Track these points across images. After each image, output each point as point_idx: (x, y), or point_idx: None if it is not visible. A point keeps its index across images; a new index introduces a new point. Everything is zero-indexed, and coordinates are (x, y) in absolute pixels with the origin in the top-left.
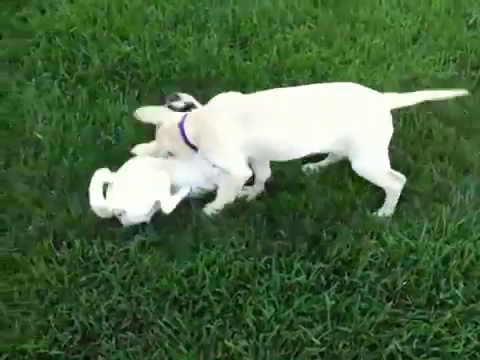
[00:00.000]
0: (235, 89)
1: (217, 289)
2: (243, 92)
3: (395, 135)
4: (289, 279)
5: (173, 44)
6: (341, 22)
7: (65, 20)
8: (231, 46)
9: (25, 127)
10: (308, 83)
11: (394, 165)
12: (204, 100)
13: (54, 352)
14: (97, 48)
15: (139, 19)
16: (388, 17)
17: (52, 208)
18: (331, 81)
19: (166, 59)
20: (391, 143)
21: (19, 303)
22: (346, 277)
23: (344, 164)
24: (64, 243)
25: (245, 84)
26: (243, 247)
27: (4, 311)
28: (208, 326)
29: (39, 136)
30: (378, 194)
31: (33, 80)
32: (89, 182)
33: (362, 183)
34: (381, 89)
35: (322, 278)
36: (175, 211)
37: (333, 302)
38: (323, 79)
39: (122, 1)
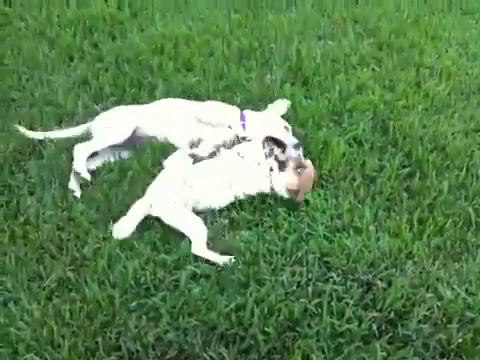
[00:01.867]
0: (295, 126)
1: (265, 328)
2: (302, 130)
3: (457, 186)
4: (340, 326)
5: (236, 78)
6: (406, 67)
7: (134, 48)
8: (293, 83)
9: None
10: (370, 125)
11: (455, 217)
12: None
13: None
14: (163, 77)
15: (205, 52)
16: (454, 65)
17: (108, 230)
18: (393, 126)
19: (228, 92)
20: (454, 194)
21: (70, 322)
22: (399, 329)
23: (403, 211)
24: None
25: (304, 123)
26: (294, 287)
27: (55, 329)
28: None
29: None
30: (436, 242)
31: (100, 104)
32: None
33: (419, 231)
34: (445, 137)
35: (374, 327)
36: (228, 244)
37: (384, 353)
38: (384, 122)
39: (190, 34)
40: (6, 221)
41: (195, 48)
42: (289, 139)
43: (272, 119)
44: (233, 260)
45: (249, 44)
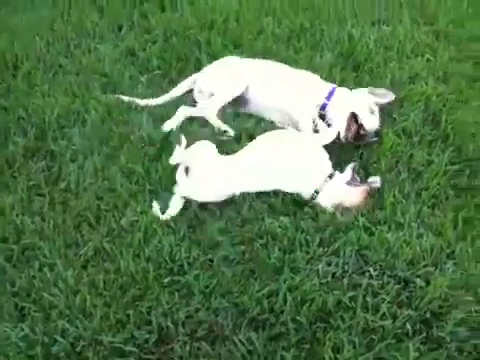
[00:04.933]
0: None
1: (297, 317)
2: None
3: None
4: (373, 321)
5: (284, 58)
6: (462, 59)
7: (183, 22)
8: (343, 68)
9: (130, 121)
10: (420, 117)
11: None
12: None
13: (129, 348)
14: (210, 53)
15: (254, 29)
16: None
17: (147, 203)
18: (445, 120)
19: None
20: None
21: (103, 292)
22: (434, 330)
23: (448, 209)
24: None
25: None
26: (329, 278)
27: (88, 298)
28: (283, 353)
29: (143, 134)
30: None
31: (145, 76)
32: None
33: (463, 232)
34: None
35: (408, 326)
36: (265, 228)
37: (416, 354)
38: (435, 116)
39: (240, 10)
40: (47, 186)
41: (245, 25)
42: (371, 123)
43: (359, 99)
44: None
45: (300, 24)
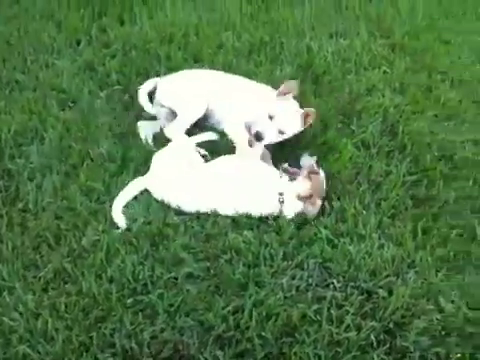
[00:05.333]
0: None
1: (262, 333)
2: (310, 129)
3: (464, 197)
4: (338, 334)
5: (245, 72)
6: (417, 70)
7: (143, 36)
8: (302, 81)
9: (89, 137)
10: (378, 129)
11: (460, 228)
12: None
13: None
14: (170, 67)
15: (214, 43)
16: (467, 72)
17: (108, 222)
18: (402, 130)
19: None
20: (460, 205)
21: (64, 315)
22: (397, 340)
23: (407, 219)
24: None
25: (312, 122)
26: (293, 292)
27: (49, 321)
28: None
29: (103, 150)
30: (440, 253)
31: (105, 91)
32: (146, 198)
33: (423, 241)
34: (453, 147)
35: (372, 337)
36: (229, 243)
37: None
38: (393, 127)
39: (199, 24)
40: (4, 207)
41: (205, 39)
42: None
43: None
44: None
45: (260, 38)
